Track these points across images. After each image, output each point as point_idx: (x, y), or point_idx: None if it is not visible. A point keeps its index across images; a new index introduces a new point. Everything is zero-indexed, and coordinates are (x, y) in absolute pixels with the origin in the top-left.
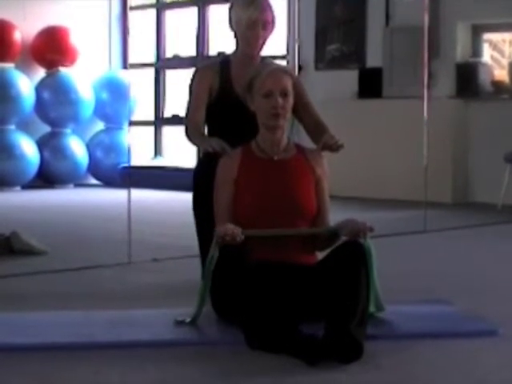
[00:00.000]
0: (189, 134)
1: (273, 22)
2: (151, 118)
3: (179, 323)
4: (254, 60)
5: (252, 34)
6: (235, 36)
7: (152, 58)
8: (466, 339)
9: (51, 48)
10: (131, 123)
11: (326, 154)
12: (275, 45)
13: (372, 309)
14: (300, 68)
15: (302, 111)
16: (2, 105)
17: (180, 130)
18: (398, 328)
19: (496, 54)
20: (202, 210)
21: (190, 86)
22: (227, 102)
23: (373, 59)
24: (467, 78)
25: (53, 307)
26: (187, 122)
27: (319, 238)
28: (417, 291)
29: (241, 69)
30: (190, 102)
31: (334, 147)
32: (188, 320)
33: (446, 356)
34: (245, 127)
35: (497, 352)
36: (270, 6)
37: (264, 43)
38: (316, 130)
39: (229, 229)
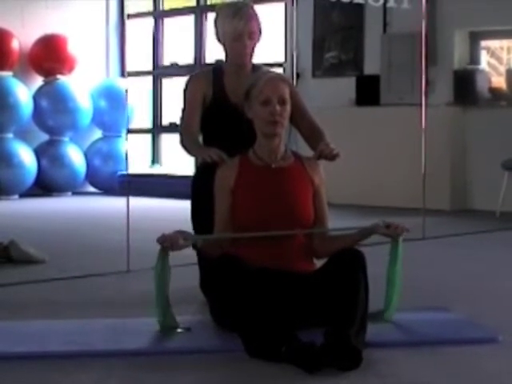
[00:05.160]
0: (185, 145)
1: (259, 31)
2: (149, 125)
3: (185, 330)
4: (246, 68)
5: (239, 46)
6: (223, 47)
7: (150, 66)
8: (465, 346)
9: (49, 56)
10: (129, 131)
11: (322, 162)
12: (273, 52)
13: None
14: (298, 75)
15: (298, 117)
16: (0, 113)
17: (178, 137)
18: (398, 335)
19: (493, 61)
20: (201, 218)
21: (184, 95)
22: (221, 109)
23: (370, 66)
24: (465, 85)
25: (51, 316)
26: (182, 131)
27: (336, 242)
28: (416, 298)
29: (233, 77)
30: (184, 111)
31: (330, 156)
32: (179, 330)
33: (445, 363)
34: (240, 135)
35: (496, 359)
36: (255, 15)
37: (253, 51)
38: (312, 135)
39: (168, 235)
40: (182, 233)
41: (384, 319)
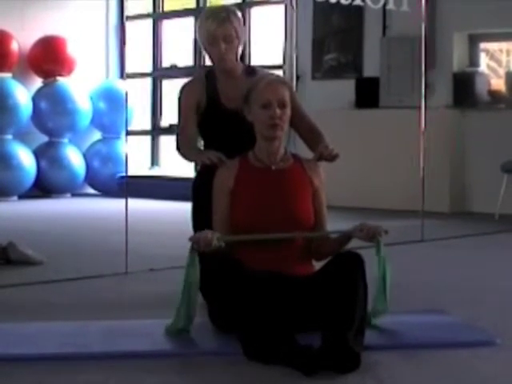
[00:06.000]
0: (182, 151)
1: (236, 34)
2: (148, 127)
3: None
4: (234, 72)
5: (215, 50)
6: (206, 52)
7: (149, 68)
8: (463, 349)
9: (48, 58)
10: (128, 133)
11: (322, 164)
12: (272, 54)
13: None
14: (297, 78)
15: (297, 119)
16: (0, 115)
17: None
18: (396, 338)
19: (493, 64)
20: (201, 220)
21: (179, 102)
22: (216, 113)
23: (370, 69)
24: (464, 88)
25: (49, 317)
26: (179, 139)
27: (324, 246)
28: (414, 301)
29: (225, 81)
30: (179, 118)
31: (329, 157)
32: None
33: (443, 366)
34: (237, 138)
35: (494, 362)
36: (234, 19)
37: (235, 56)
38: (312, 137)
39: (201, 235)
40: (213, 233)
41: (371, 322)
